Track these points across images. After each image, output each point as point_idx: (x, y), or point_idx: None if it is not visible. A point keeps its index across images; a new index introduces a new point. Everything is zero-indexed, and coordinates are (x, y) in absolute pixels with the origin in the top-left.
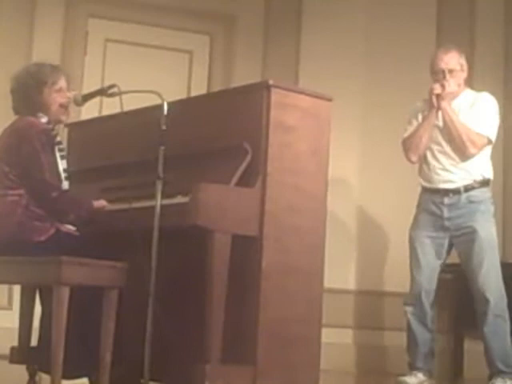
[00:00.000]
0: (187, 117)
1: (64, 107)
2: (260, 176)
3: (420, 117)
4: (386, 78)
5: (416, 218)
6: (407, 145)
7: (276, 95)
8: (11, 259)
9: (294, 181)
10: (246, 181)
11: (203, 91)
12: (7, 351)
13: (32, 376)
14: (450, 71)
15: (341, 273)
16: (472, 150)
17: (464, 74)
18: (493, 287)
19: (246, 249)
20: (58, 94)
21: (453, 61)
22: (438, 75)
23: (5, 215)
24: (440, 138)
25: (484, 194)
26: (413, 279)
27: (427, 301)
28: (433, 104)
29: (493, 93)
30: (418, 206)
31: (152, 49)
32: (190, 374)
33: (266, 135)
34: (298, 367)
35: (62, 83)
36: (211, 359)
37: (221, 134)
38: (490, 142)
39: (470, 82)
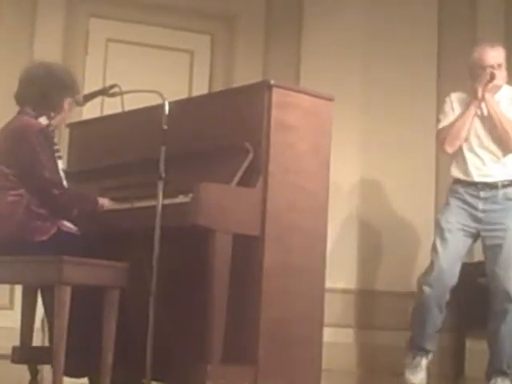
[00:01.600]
0: (188, 116)
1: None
2: (261, 176)
3: (457, 108)
4: (387, 77)
5: (448, 204)
6: (444, 135)
7: (277, 95)
8: (12, 259)
9: (296, 180)
10: (247, 180)
11: (204, 91)
12: (9, 351)
13: (34, 376)
14: (499, 65)
15: (342, 272)
16: None
17: (505, 69)
18: None
19: (248, 248)
20: (69, 108)
21: (501, 55)
22: (484, 70)
23: (6, 215)
24: (479, 131)
25: None
26: (436, 259)
27: (448, 283)
28: (477, 95)
29: None
30: (451, 194)
31: (153, 48)
32: (192, 373)
33: (267, 135)
34: (300, 367)
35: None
36: (213, 359)
37: (222, 134)
38: None
39: None
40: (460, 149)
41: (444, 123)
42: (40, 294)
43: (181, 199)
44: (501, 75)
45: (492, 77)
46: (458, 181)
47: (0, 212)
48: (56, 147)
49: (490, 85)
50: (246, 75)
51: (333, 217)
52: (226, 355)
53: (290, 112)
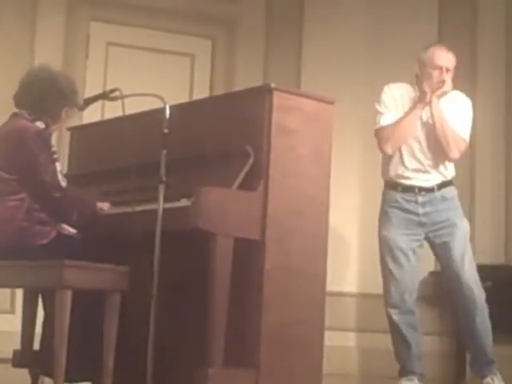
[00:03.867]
0: (189, 120)
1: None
2: (262, 179)
3: (400, 104)
4: (388, 80)
5: (387, 216)
6: (385, 134)
7: (278, 98)
8: (13, 263)
9: (296, 184)
10: (248, 184)
11: (205, 95)
12: (10, 355)
13: (35, 380)
14: (448, 70)
15: (343, 276)
16: (456, 153)
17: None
18: (476, 281)
19: (249, 252)
20: (67, 117)
21: (453, 61)
22: (435, 70)
23: (6, 220)
24: (420, 135)
25: (454, 191)
26: (393, 280)
27: (411, 300)
28: (424, 98)
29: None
30: (386, 202)
31: (154, 52)
32: (193, 377)
33: (268, 138)
34: (301, 370)
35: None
36: (214, 363)
37: (223, 138)
38: (467, 146)
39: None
40: (399, 150)
41: (387, 120)
42: (41, 298)
43: (182, 203)
44: (449, 81)
45: (442, 83)
46: (393, 185)
47: (0, 217)
48: (53, 149)
49: (440, 90)
50: (246, 79)
51: (334, 220)
52: (228, 359)
53: (290, 116)
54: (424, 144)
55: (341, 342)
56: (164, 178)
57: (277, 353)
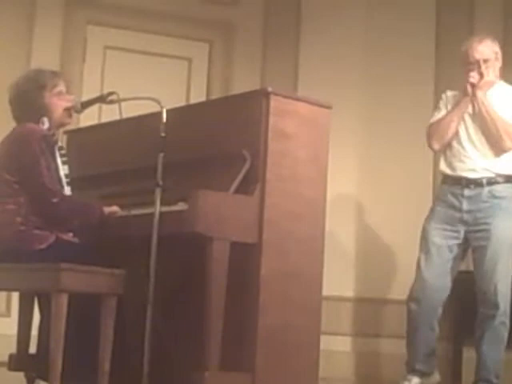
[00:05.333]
0: (186, 124)
1: (68, 111)
2: (259, 183)
3: (450, 105)
4: (385, 86)
5: (432, 210)
6: (432, 131)
7: (275, 102)
8: (9, 266)
9: (293, 188)
10: (244, 188)
11: (202, 98)
12: (6, 358)
13: (31, 383)
14: (485, 61)
15: (340, 280)
16: (509, 143)
17: (499, 63)
18: (504, 292)
19: (245, 256)
20: (59, 97)
21: (487, 50)
22: (472, 66)
23: (4, 224)
24: (469, 128)
25: (507, 189)
26: (419, 274)
27: (436, 298)
28: (467, 92)
29: None
30: (437, 198)
31: (151, 56)
32: (189, 381)
33: (265, 142)
34: (297, 374)
35: (62, 87)
36: (210, 366)
37: (220, 141)
38: None
39: None
40: (449, 144)
41: (434, 118)
42: (37, 301)
43: (178, 207)
44: (491, 71)
45: (481, 76)
46: (444, 178)
47: None
48: (62, 152)
49: (482, 82)
50: (243, 83)
51: (330, 224)
52: (224, 362)
53: (287, 120)
54: (473, 136)
55: (337, 347)
56: (161, 182)
57: (273, 357)
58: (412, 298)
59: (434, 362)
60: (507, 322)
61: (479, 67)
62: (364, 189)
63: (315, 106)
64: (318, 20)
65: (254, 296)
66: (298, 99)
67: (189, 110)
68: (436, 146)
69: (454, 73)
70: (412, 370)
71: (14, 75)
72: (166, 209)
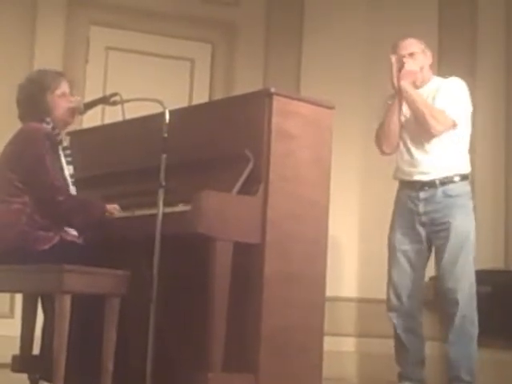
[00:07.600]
0: (189, 125)
1: (72, 111)
2: (262, 184)
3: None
4: (388, 86)
5: (393, 218)
6: (377, 136)
7: (278, 103)
8: (13, 267)
9: (296, 189)
10: (247, 189)
11: (205, 99)
12: (9, 360)
13: None
14: (411, 54)
15: (343, 281)
16: (437, 127)
17: (427, 60)
18: (466, 289)
19: (248, 257)
20: (62, 98)
21: (412, 45)
22: (394, 64)
23: (8, 224)
24: (410, 125)
25: (461, 187)
26: (392, 284)
27: (411, 304)
28: (394, 86)
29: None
30: (395, 205)
31: (153, 57)
32: (192, 381)
33: (268, 143)
34: (300, 375)
35: (65, 88)
36: (213, 367)
37: (222, 142)
38: (454, 123)
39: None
40: (398, 146)
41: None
42: (40, 302)
43: (181, 207)
44: (416, 62)
45: (402, 65)
46: (400, 184)
47: (3, 221)
48: (67, 152)
49: (403, 71)
50: (246, 83)
51: (333, 225)
52: (227, 363)
53: (290, 120)
54: (414, 132)
55: (340, 347)
56: (164, 183)
57: (276, 357)
58: (390, 308)
59: (423, 371)
60: (473, 317)
61: (403, 62)
62: (367, 189)
63: (318, 106)
64: (320, 20)
65: (257, 297)
66: (300, 99)
67: (191, 110)
68: (386, 150)
69: (456, 71)
70: (405, 379)
71: (17, 76)
72: (169, 209)
